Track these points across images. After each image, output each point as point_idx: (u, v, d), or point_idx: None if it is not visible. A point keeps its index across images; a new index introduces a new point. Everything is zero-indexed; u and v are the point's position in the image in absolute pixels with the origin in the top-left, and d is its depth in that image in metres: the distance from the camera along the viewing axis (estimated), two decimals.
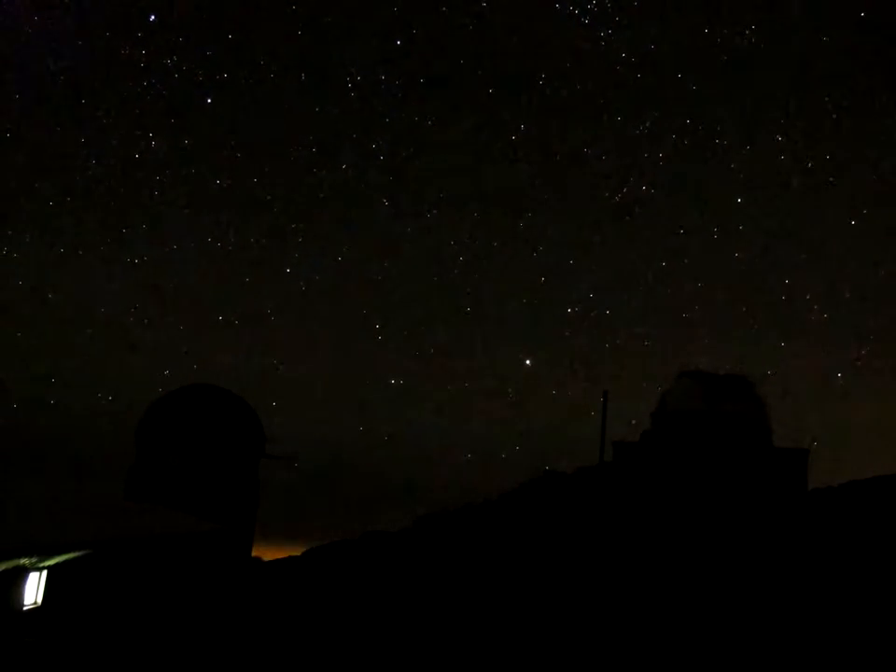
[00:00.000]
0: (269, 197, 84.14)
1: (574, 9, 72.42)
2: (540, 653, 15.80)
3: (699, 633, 16.24)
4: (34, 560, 13.06)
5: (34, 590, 13.74)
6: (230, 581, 23.72)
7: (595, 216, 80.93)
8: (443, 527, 26.62)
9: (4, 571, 12.27)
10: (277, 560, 29.33)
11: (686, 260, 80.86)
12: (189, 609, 18.78)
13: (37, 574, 13.75)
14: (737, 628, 16.28)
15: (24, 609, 13.42)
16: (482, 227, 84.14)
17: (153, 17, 72.06)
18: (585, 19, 72.97)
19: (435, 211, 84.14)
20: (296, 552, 30.30)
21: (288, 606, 20.20)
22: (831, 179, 72.08)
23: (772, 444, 29.64)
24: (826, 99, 71.46)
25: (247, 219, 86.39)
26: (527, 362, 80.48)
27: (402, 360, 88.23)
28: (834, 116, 70.25)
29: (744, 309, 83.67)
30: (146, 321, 78.61)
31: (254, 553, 30.49)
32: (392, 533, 28.12)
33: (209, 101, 76.71)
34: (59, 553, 13.78)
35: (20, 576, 13.12)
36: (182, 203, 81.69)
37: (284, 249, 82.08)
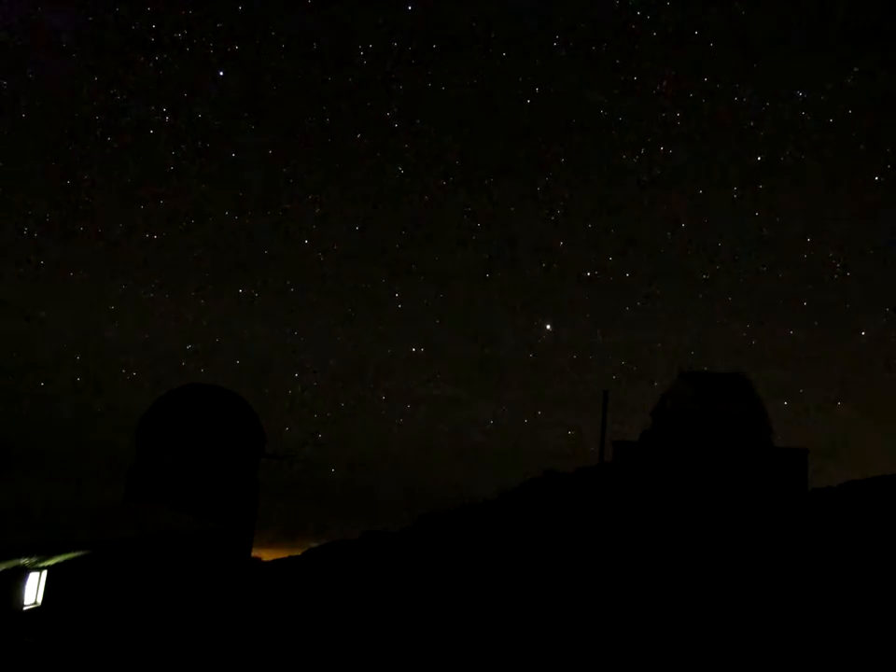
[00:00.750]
0: (285, 169, 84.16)
1: None
2: (541, 652, 15.79)
3: (700, 631, 16.24)
4: (34, 560, 13.07)
5: (34, 590, 13.75)
6: (230, 580, 23.71)
7: (615, 178, 79.12)
8: (443, 527, 26.62)
9: (4, 571, 12.27)
10: (277, 560, 29.33)
11: (705, 220, 79.83)
12: (188, 608, 18.78)
13: (37, 574, 13.75)
14: (738, 627, 16.27)
15: (24, 608, 13.43)
16: (499, 192, 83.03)
17: None
18: None
19: (451, 178, 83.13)
20: (296, 552, 30.33)
21: (288, 606, 20.19)
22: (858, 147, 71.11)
23: (772, 444, 29.66)
24: (848, 52, 70.42)
25: (264, 191, 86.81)
26: (548, 327, 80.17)
27: (422, 329, 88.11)
28: (856, 70, 68.39)
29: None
30: (155, 302, 78.83)
31: (254, 553, 30.48)
32: (392, 533, 28.12)
33: (221, 73, 76.33)
34: (59, 553, 13.78)
35: (20, 576, 13.12)
36: (198, 178, 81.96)
37: (302, 220, 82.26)
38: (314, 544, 30.10)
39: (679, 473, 27.54)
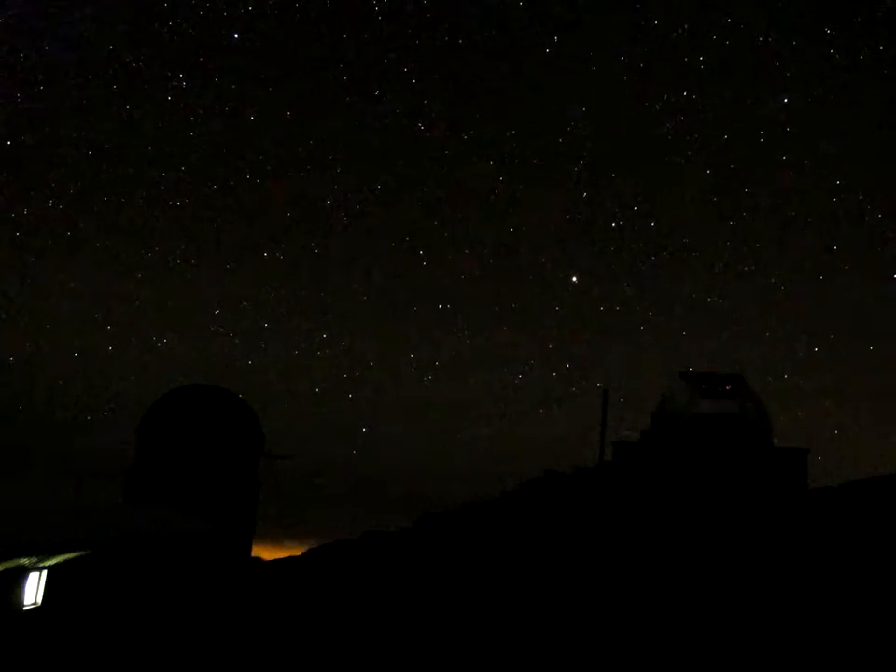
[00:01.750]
0: (303, 130, 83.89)
1: None
2: (541, 652, 15.80)
3: (699, 632, 16.24)
4: (34, 560, 13.07)
5: (34, 590, 13.75)
6: (230, 580, 23.71)
7: (636, 126, 78.02)
8: (443, 527, 26.63)
9: (4, 571, 12.27)
10: (277, 560, 29.34)
11: (731, 166, 78.05)
12: (188, 608, 18.78)
13: (37, 574, 13.75)
14: (737, 627, 16.28)
15: (24, 609, 13.42)
16: (521, 144, 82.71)
17: None
18: None
19: (472, 131, 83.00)
20: (296, 552, 30.35)
21: (288, 606, 20.19)
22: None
23: (772, 444, 29.66)
24: None
25: (283, 153, 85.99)
26: (573, 279, 79.43)
27: (448, 285, 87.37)
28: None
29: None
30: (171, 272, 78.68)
31: (254, 553, 30.49)
32: (392, 533, 28.13)
33: (236, 36, 75.90)
34: (59, 553, 13.78)
35: (20, 576, 13.12)
36: (217, 142, 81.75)
37: (321, 181, 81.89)
38: (314, 544, 30.10)
39: (678, 473, 27.54)
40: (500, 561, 22.03)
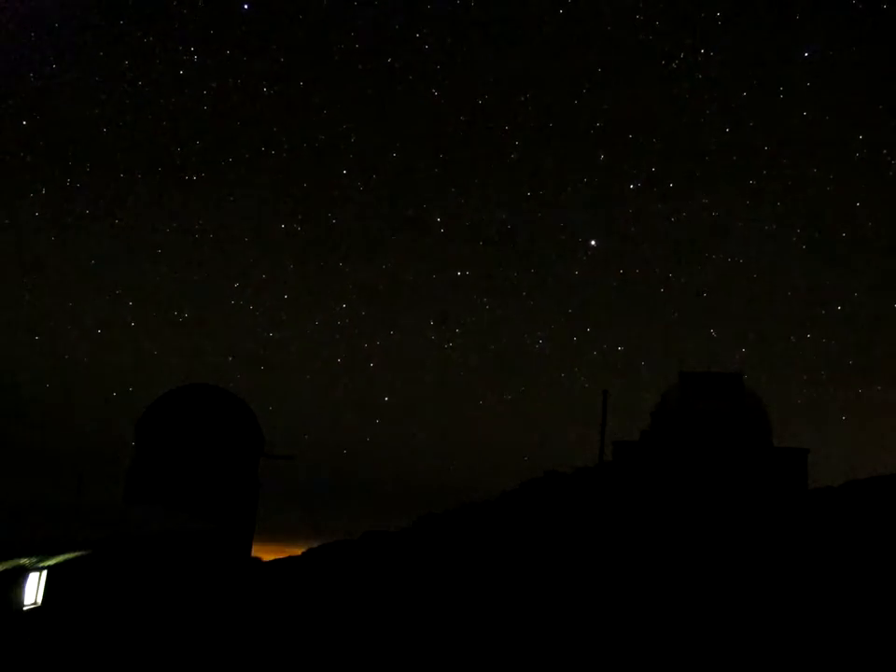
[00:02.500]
0: (316, 100, 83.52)
1: None
2: (541, 652, 15.79)
3: (699, 631, 16.23)
4: (34, 560, 13.06)
5: (34, 590, 13.74)
6: (230, 580, 23.70)
7: (653, 86, 77.20)
8: (443, 527, 26.61)
9: (4, 571, 12.26)
10: (277, 560, 29.31)
11: (750, 124, 76.76)
12: (188, 608, 18.77)
13: (37, 574, 13.74)
14: (738, 627, 16.27)
15: (24, 609, 13.42)
16: (536, 108, 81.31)
17: None
18: None
19: (487, 96, 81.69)
20: (296, 552, 30.32)
21: (288, 606, 20.18)
22: None
23: (772, 444, 29.65)
24: None
25: (296, 124, 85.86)
26: (592, 243, 78.79)
27: (464, 251, 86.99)
28: None
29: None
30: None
31: (254, 553, 30.48)
32: (392, 533, 28.10)
33: (245, 7, 76.09)
34: (59, 553, 13.77)
35: (20, 576, 13.11)
36: (231, 115, 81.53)
37: (336, 151, 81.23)
38: (314, 544, 30.08)
39: (678, 473, 27.53)
40: (500, 561, 22.02)
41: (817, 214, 77.85)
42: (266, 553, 33.83)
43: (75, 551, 14.20)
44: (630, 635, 16.45)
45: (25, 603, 13.45)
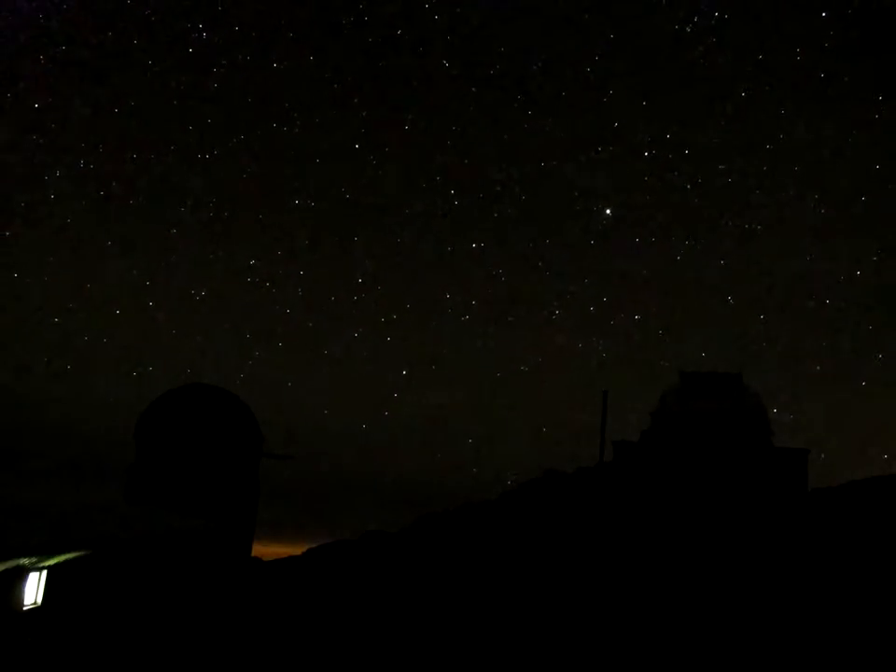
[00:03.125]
0: (328, 75, 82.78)
1: None
2: (541, 652, 15.78)
3: (700, 631, 16.23)
4: (34, 560, 13.05)
5: (34, 590, 13.72)
6: (230, 580, 23.70)
7: (666, 50, 75.89)
8: (443, 527, 26.61)
9: (4, 571, 12.25)
10: (277, 560, 29.32)
11: (767, 87, 74.64)
12: (188, 609, 18.76)
13: (37, 574, 13.73)
14: (738, 627, 16.27)
15: (24, 608, 13.41)
16: (548, 76, 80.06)
17: None
18: None
19: (498, 65, 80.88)
20: (296, 552, 30.32)
21: (288, 606, 20.18)
22: None
23: (772, 444, 29.64)
24: None
25: (307, 98, 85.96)
26: (607, 211, 78.10)
27: (479, 222, 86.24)
28: None
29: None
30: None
31: (254, 553, 30.47)
32: (392, 533, 28.09)
33: None
34: (59, 553, 13.76)
35: (20, 576, 13.10)
36: (241, 91, 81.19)
37: (349, 124, 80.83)
38: (314, 544, 30.07)
39: (678, 473, 27.53)
40: (500, 561, 22.02)
41: (837, 177, 76.97)
42: (266, 552, 33.84)
43: (75, 551, 14.19)
44: (630, 635, 16.45)
45: (25, 603, 13.44)
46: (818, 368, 75.88)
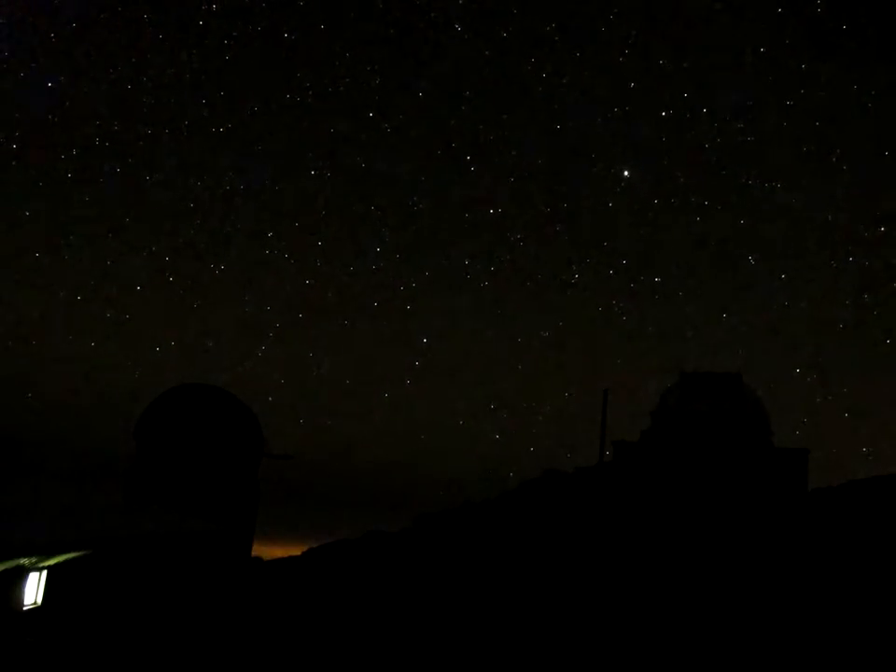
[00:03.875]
0: (338, 43, 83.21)
1: None
2: (540, 652, 15.79)
3: (699, 631, 16.23)
4: (34, 560, 13.05)
5: (34, 590, 13.73)
6: (230, 580, 23.70)
7: (682, 8, 74.58)
8: (443, 527, 26.61)
9: (4, 571, 12.26)
10: (277, 560, 29.32)
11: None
12: (188, 609, 18.76)
13: (37, 574, 13.73)
14: (737, 626, 16.27)
15: (24, 609, 13.41)
16: (562, 36, 79.13)
17: None
18: None
19: (511, 28, 79.44)
20: (296, 552, 30.32)
21: (288, 606, 20.18)
22: None
23: (772, 444, 29.66)
24: None
25: (320, 68, 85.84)
26: (625, 173, 77.16)
27: (496, 188, 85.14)
28: None
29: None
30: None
31: (254, 553, 30.46)
32: (392, 533, 28.10)
33: None
34: (59, 553, 13.76)
35: (20, 576, 13.11)
36: (253, 64, 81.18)
37: (362, 93, 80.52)
38: (314, 544, 30.08)
39: (678, 473, 27.54)
40: (500, 561, 22.02)
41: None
42: (266, 552, 33.83)
43: (75, 551, 14.20)
44: (630, 635, 16.45)
45: (25, 603, 13.44)
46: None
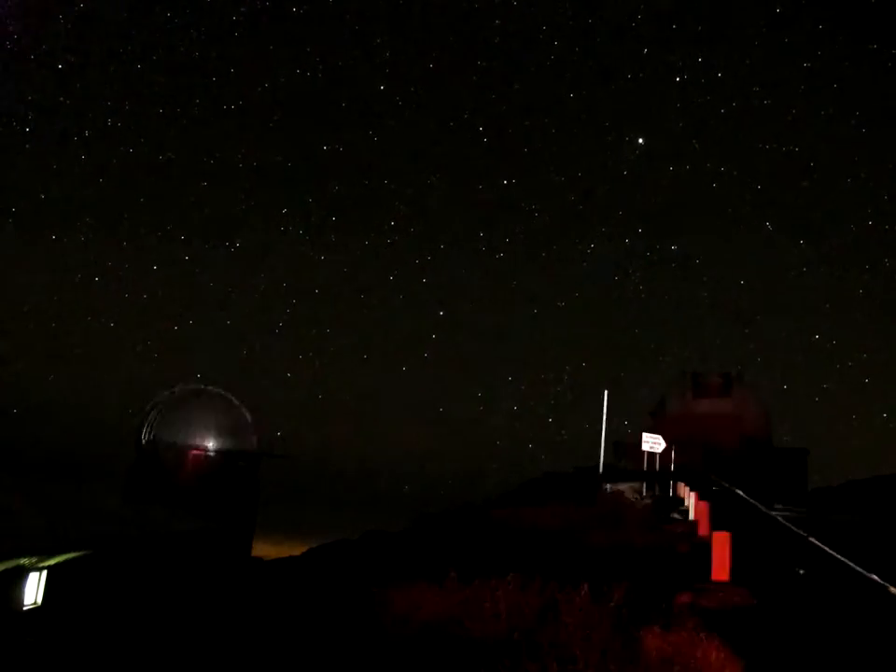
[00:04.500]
0: (348, 16, 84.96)
1: None
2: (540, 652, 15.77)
3: None
4: (34, 560, 13.06)
5: (34, 590, 13.74)
6: (230, 580, 23.70)
7: None
8: (443, 527, 26.58)
9: (4, 571, 12.27)
10: (277, 560, 29.31)
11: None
12: (188, 608, 18.76)
13: (37, 574, 13.74)
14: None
15: (24, 608, 13.42)
16: (575, 4, 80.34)
17: None
18: None
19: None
20: (296, 552, 30.32)
21: (288, 606, 20.15)
22: None
23: (772, 444, 29.68)
24: None
25: (329, 43, 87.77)
26: (640, 140, 77.16)
27: (510, 158, 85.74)
28: None
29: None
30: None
31: (254, 553, 30.50)
32: (392, 533, 28.07)
33: None
34: (59, 553, 13.78)
35: (20, 576, 13.12)
36: (262, 40, 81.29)
37: (373, 66, 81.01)
38: (314, 544, 30.09)
39: (678, 473, 27.52)
40: (501, 561, 21.99)
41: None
42: (266, 552, 33.85)
43: (75, 551, 14.21)
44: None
45: (25, 603, 13.46)
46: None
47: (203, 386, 32.85)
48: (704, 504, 16.10)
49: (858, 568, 12.36)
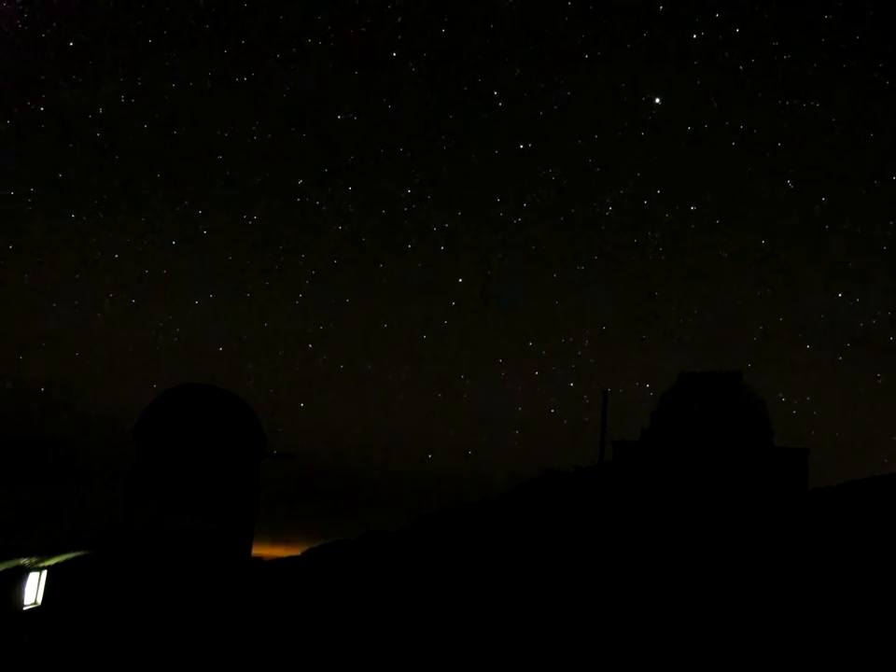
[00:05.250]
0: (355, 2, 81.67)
1: None
2: (540, 652, 15.79)
3: (699, 631, 16.23)
4: (34, 560, 13.06)
5: (34, 590, 13.74)
6: (230, 580, 23.70)
7: None
8: (443, 527, 26.61)
9: (4, 571, 12.27)
10: (277, 560, 29.32)
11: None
12: (188, 608, 18.77)
13: (37, 574, 13.74)
14: (737, 626, 16.27)
15: (24, 608, 13.42)
16: None
17: None
18: None
19: None
20: (296, 552, 30.33)
21: (288, 606, 20.19)
22: None
23: (772, 444, 29.65)
24: None
25: (339, 10, 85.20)
26: (657, 100, 74.90)
27: (525, 122, 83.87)
28: None
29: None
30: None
31: (254, 553, 30.47)
32: (392, 533, 28.09)
33: None
34: (59, 553, 13.78)
35: (20, 576, 13.12)
36: (273, 21, 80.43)
37: (384, 33, 79.45)
38: (314, 544, 30.09)
39: (678, 473, 27.54)
40: (500, 561, 22.02)
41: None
42: (266, 552, 33.85)
43: (75, 551, 14.21)
44: (630, 635, 16.46)
45: (25, 603, 13.46)
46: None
47: (204, 384, 32.81)
48: None
49: None
